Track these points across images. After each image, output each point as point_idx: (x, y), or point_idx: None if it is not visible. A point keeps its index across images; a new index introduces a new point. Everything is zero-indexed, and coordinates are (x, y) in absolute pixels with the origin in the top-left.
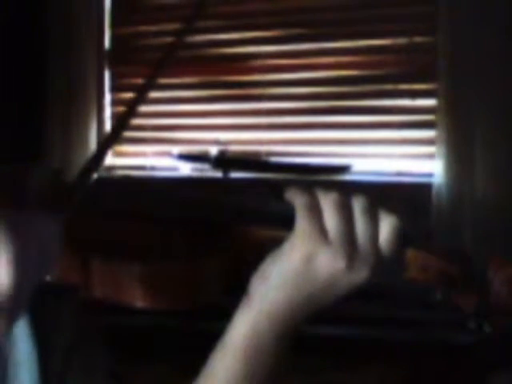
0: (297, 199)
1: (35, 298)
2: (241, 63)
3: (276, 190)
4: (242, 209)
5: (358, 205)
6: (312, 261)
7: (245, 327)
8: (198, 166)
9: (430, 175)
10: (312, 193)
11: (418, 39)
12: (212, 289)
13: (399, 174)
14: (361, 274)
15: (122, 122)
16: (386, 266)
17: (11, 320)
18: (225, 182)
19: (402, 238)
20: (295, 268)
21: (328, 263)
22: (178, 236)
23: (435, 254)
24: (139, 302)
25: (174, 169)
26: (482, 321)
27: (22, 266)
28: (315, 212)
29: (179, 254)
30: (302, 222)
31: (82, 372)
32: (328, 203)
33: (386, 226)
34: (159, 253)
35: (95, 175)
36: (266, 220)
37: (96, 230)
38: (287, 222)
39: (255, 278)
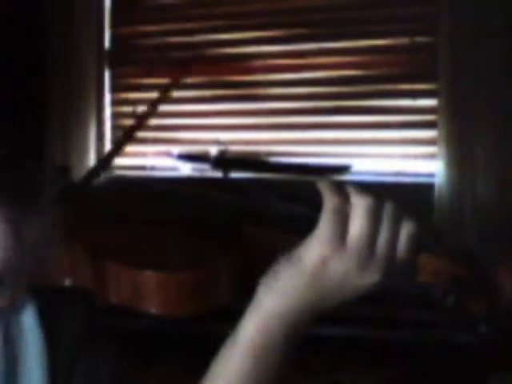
0: (327, 198)
1: (45, 299)
2: (241, 63)
3: (277, 191)
4: (251, 210)
5: (386, 213)
6: (327, 264)
7: (254, 328)
8: (198, 166)
9: (432, 175)
10: (344, 193)
11: (418, 39)
12: (225, 292)
13: (400, 174)
14: (373, 278)
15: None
16: (398, 270)
17: (12, 293)
18: (225, 182)
19: (418, 241)
20: (309, 270)
21: (343, 268)
22: (189, 239)
23: (447, 257)
24: (152, 309)
25: (174, 169)
26: (492, 324)
27: (19, 242)
28: (341, 217)
29: (191, 257)
30: (325, 225)
31: (88, 373)
32: (358, 209)
33: (405, 232)
34: (171, 257)
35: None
36: (275, 222)
37: (112, 236)
38: (295, 226)
39: (266, 278)
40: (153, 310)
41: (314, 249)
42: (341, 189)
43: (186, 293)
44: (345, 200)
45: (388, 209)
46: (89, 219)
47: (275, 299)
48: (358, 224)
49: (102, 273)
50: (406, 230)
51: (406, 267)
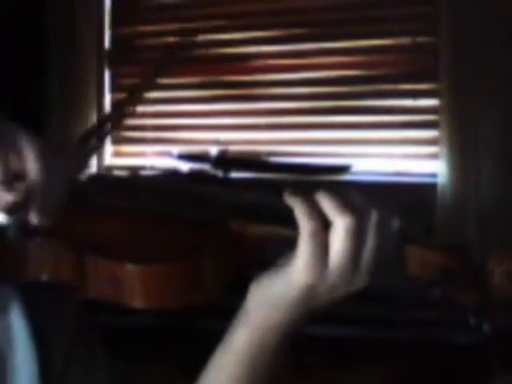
0: (303, 223)
1: (34, 298)
2: (241, 63)
3: (277, 189)
4: (242, 206)
5: (369, 225)
6: (313, 288)
7: (246, 339)
8: (198, 166)
9: (434, 175)
10: (320, 213)
11: (419, 39)
12: (213, 288)
13: (401, 174)
14: (362, 282)
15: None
16: (385, 266)
17: (43, 213)
18: (225, 182)
19: (403, 235)
20: (293, 295)
21: (330, 285)
22: (177, 234)
23: (435, 248)
24: (137, 303)
25: (174, 169)
26: (482, 317)
27: (49, 165)
28: (320, 242)
29: (178, 252)
30: (304, 253)
31: (82, 373)
32: (339, 230)
33: (391, 233)
34: (158, 251)
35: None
36: (266, 217)
37: (92, 228)
38: (289, 220)
39: (253, 289)
40: (135, 304)
41: (297, 277)
42: (315, 208)
43: (167, 286)
44: (321, 222)
45: (371, 220)
46: (71, 212)
47: (266, 313)
48: (339, 246)
49: (83, 266)
50: (391, 231)
51: (392, 260)
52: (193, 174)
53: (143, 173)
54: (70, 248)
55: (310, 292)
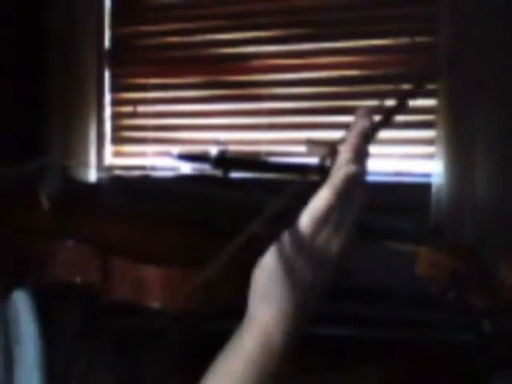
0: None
1: (44, 298)
2: (241, 63)
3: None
4: (259, 209)
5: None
6: (282, 263)
7: (255, 344)
8: (198, 166)
9: (430, 175)
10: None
11: (419, 39)
12: (229, 290)
13: (399, 174)
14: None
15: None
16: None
17: None
18: (225, 182)
19: (415, 237)
20: (268, 274)
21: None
22: (197, 238)
23: (447, 251)
24: (155, 304)
25: (174, 169)
26: (493, 319)
27: None
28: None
29: (194, 254)
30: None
31: (86, 372)
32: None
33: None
34: (178, 254)
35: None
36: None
37: (115, 231)
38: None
39: (254, 293)
40: (154, 305)
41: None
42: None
43: (183, 289)
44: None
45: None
46: (94, 216)
47: (263, 309)
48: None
49: (109, 269)
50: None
51: (405, 261)
52: (202, 177)
53: (156, 174)
54: (97, 251)
55: (282, 263)
